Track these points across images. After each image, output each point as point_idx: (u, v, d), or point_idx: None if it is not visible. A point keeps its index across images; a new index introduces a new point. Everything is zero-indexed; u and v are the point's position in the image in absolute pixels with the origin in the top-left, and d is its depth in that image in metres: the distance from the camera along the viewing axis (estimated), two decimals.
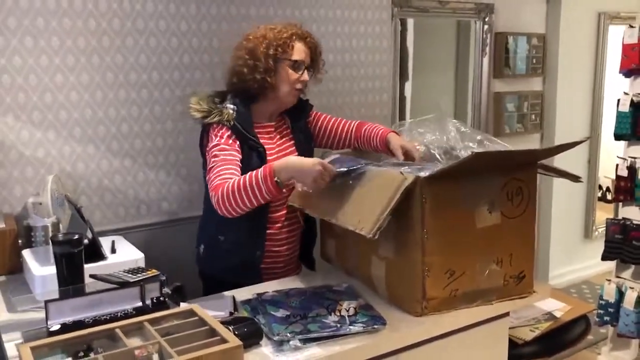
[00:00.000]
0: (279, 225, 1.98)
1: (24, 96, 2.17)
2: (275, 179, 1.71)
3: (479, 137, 1.80)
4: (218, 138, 1.86)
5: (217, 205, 1.77)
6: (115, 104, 2.35)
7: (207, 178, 1.85)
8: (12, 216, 2.13)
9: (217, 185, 1.77)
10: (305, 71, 1.96)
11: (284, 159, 1.80)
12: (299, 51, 1.94)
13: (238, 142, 1.88)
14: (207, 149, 1.88)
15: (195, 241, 2.11)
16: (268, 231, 1.96)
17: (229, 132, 1.87)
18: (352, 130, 2.13)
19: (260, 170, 1.73)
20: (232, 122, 1.87)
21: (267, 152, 1.94)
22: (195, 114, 1.90)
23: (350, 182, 1.74)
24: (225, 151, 1.84)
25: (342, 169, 1.75)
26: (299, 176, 1.74)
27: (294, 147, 2.03)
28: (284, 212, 1.99)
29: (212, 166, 1.83)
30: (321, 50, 2.03)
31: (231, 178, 1.77)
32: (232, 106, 1.90)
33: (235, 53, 1.98)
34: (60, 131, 2.25)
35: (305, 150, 2.04)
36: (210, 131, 1.89)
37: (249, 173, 1.75)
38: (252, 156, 1.90)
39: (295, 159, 1.81)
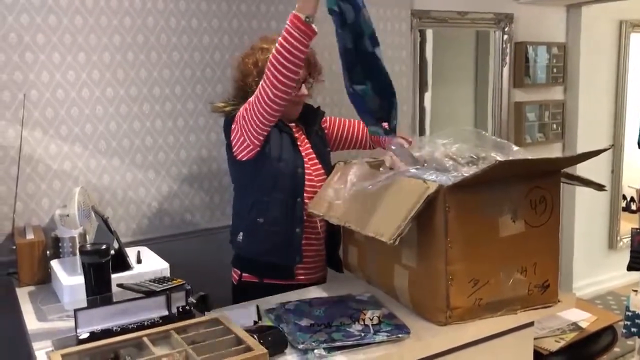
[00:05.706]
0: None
1: (52, 110, 2.22)
2: (303, 17, 1.69)
3: (501, 146, 1.79)
4: None
5: (268, 84, 1.76)
6: (139, 117, 2.40)
7: (253, 95, 1.84)
8: (41, 228, 2.17)
9: None
10: (303, 85, 1.98)
11: None
12: None
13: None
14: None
15: (230, 235, 2.09)
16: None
17: None
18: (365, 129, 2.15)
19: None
20: None
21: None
22: (229, 109, 1.96)
23: (371, 191, 1.74)
24: None
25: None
26: None
27: (311, 150, 2.06)
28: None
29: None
30: (315, 59, 2.04)
31: None
32: None
33: (234, 75, 2.05)
34: (86, 144, 2.30)
35: (322, 153, 2.08)
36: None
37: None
38: (285, 138, 1.95)
39: None
